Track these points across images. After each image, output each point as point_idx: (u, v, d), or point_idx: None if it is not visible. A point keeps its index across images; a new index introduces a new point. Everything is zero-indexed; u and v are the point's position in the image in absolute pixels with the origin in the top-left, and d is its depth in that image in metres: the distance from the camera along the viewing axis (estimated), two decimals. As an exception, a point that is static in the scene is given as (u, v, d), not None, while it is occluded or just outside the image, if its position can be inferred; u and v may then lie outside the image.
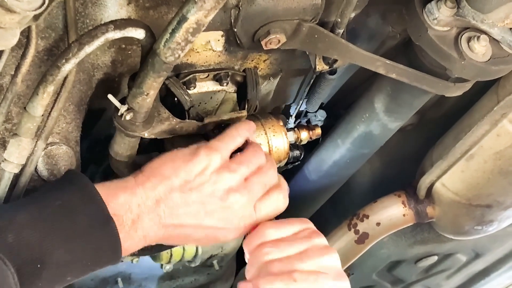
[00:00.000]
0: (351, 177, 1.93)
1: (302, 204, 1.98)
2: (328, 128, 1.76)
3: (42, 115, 1.01)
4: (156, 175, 1.05)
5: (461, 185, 1.56)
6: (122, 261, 1.51)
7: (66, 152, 1.10)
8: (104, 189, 1.00)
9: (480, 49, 1.18)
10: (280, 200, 1.16)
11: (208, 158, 1.08)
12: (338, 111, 1.77)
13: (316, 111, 1.76)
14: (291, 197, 2.03)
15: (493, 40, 1.20)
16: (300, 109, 1.74)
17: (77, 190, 0.98)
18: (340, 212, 1.96)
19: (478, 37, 1.17)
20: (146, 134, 1.11)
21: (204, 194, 1.07)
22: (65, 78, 1.02)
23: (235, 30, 1.16)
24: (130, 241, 1.01)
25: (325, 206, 2.08)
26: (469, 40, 1.18)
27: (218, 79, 1.27)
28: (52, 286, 0.94)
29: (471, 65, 1.18)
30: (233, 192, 1.09)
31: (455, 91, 1.31)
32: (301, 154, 1.40)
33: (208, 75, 1.26)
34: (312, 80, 1.54)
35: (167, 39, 0.96)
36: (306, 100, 1.68)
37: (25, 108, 0.99)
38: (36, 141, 1.04)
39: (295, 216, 2.10)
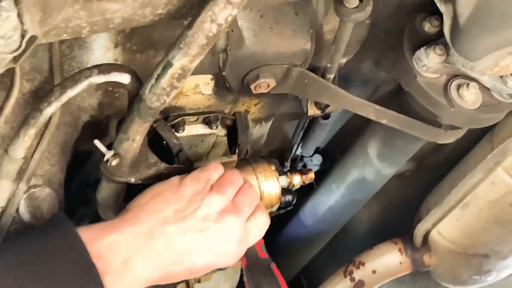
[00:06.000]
0: (349, 223, 1.91)
1: (298, 249, 1.96)
2: (325, 173, 1.74)
3: (24, 157, 1.00)
4: (146, 211, 1.03)
5: (457, 234, 1.53)
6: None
7: (49, 194, 1.10)
8: (89, 232, 0.96)
9: (470, 97, 1.16)
10: (265, 220, 1.16)
11: (195, 186, 1.07)
12: (335, 155, 1.75)
13: (312, 156, 1.74)
14: (287, 241, 2.03)
15: (484, 88, 1.19)
16: (296, 153, 1.73)
17: (58, 235, 0.95)
18: (339, 258, 1.92)
19: (468, 85, 1.16)
20: (132, 180, 1.10)
21: (198, 220, 1.04)
22: (49, 120, 1.02)
23: (224, 74, 1.15)
24: (120, 285, 0.96)
25: (323, 252, 2.05)
26: (458, 87, 1.17)
27: (207, 123, 1.26)
28: None
29: (460, 113, 1.17)
30: (226, 214, 1.07)
31: (447, 138, 1.29)
32: (293, 199, 1.38)
33: (198, 118, 1.25)
34: (305, 125, 1.53)
35: (152, 84, 0.95)
36: (301, 144, 1.67)
37: (5, 150, 0.98)
38: (18, 183, 1.04)
39: (292, 263, 2.11)
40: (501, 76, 1.17)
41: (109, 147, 1.06)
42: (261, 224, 1.14)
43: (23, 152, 0.98)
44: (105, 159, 1.05)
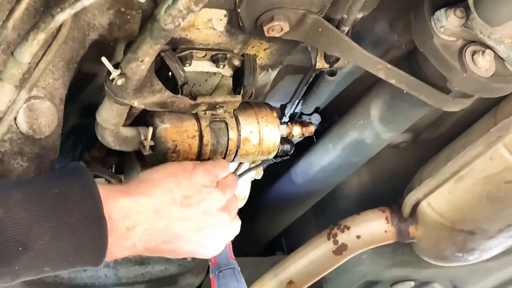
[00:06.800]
0: (337, 188, 1.91)
1: (284, 208, 1.96)
2: (322, 134, 1.73)
3: (30, 64, 0.98)
4: (158, 187, 1.06)
5: (447, 207, 1.54)
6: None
7: (49, 108, 1.07)
8: (105, 190, 0.97)
9: (484, 64, 1.15)
10: (239, 225, 1.21)
11: (206, 177, 1.12)
12: (333, 117, 1.74)
13: (311, 114, 1.73)
14: (275, 199, 2.02)
15: (498, 58, 1.18)
16: (295, 111, 1.72)
17: (78, 182, 0.95)
18: (323, 222, 1.93)
19: (483, 52, 1.15)
20: (136, 103, 1.08)
21: (199, 212, 1.09)
22: (59, 30, 0.99)
23: (239, 11, 1.13)
24: (117, 248, 0.99)
25: (307, 214, 2.05)
26: (473, 53, 1.16)
27: (215, 60, 1.24)
28: (28, 272, 0.91)
29: (472, 79, 1.16)
30: (222, 211, 1.13)
31: (453, 106, 1.28)
32: (291, 149, 1.37)
33: (206, 54, 1.23)
34: (310, 80, 1.51)
35: (169, 5, 0.93)
36: (302, 101, 1.65)
37: (12, 53, 0.96)
38: (20, 91, 1.01)
39: (276, 221, 2.10)
40: (518, 47, 1.16)
41: (115, 67, 1.04)
42: (237, 228, 1.20)
43: (30, 57, 0.96)
44: (110, 77, 1.03)
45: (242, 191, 1.40)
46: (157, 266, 1.79)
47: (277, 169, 1.87)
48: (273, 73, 1.39)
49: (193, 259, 1.82)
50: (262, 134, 1.27)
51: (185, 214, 1.08)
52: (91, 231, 0.93)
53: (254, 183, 1.47)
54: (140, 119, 1.22)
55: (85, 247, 0.93)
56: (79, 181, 0.95)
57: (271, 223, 2.07)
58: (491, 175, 1.39)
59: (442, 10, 1.15)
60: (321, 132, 1.73)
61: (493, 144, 1.35)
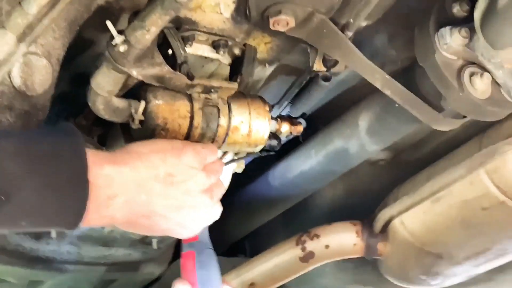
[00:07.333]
0: (310, 198, 1.91)
1: (256, 209, 1.95)
2: (304, 140, 1.73)
3: (35, 16, 0.96)
4: (144, 161, 1.05)
5: (419, 227, 1.54)
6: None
7: (45, 66, 1.05)
8: (92, 155, 0.96)
9: (480, 86, 1.17)
10: (219, 211, 1.19)
11: (193, 158, 1.11)
12: (318, 125, 1.74)
13: (297, 119, 1.73)
14: (248, 199, 2.01)
15: (495, 82, 1.19)
16: (282, 113, 1.71)
17: (69, 142, 0.95)
18: (291, 230, 1.92)
19: (482, 74, 1.17)
20: (134, 73, 1.07)
21: (181, 191, 1.08)
22: (67, -11, 0.98)
23: None
24: (95, 215, 0.97)
25: (275, 220, 2.04)
26: (472, 74, 1.18)
27: (216, 46, 1.24)
28: (3, 224, 0.90)
29: (468, 99, 1.18)
30: (203, 194, 1.12)
31: (443, 125, 1.30)
32: (278, 145, 1.37)
33: (208, 38, 1.22)
34: (304, 83, 1.51)
35: None
36: (290, 104, 1.65)
37: (20, 3, 0.94)
38: (20, 43, 1.00)
39: (245, 223, 2.09)
40: (515, 75, 1.18)
41: (119, 34, 1.03)
42: (218, 213, 1.19)
43: (37, 8, 0.95)
44: (113, 42, 1.02)
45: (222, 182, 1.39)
46: (121, 250, 1.77)
47: (254, 169, 1.86)
48: (269, 69, 1.39)
49: (159, 247, 1.80)
50: (252, 126, 1.27)
51: (166, 192, 1.06)
52: (74, 193, 0.93)
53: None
54: (132, 93, 1.21)
55: (65, 208, 0.93)
56: (69, 142, 0.95)
57: (239, 224, 2.06)
58: (468, 200, 1.40)
59: (448, 27, 1.16)
60: (304, 138, 1.73)
61: (475, 169, 1.36)
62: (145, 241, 1.78)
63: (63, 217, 0.93)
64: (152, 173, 1.05)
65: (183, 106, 1.18)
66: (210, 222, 1.19)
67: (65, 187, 0.91)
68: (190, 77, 1.16)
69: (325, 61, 1.34)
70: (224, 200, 1.30)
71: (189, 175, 1.10)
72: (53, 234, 1.65)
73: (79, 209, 0.93)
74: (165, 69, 1.10)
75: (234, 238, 2.21)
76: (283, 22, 1.17)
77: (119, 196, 1.00)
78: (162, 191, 1.06)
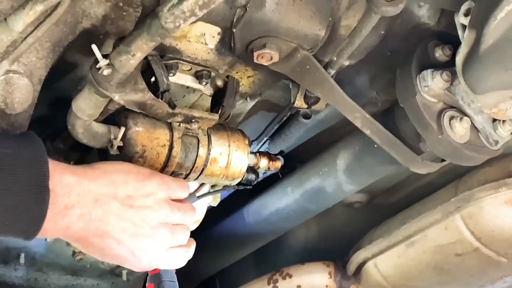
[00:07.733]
0: (283, 237, 1.90)
1: (229, 246, 1.93)
2: (280, 178, 1.73)
3: (20, 34, 0.95)
4: (105, 178, 1.04)
5: (393, 271, 1.54)
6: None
7: (26, 85, 1.04)
8: (54, 163, 0.96)
9: (460, 130, 1.18)
10: (183, 259, 1.18)
11: (158, 187, 1.10)
12: (295, 164, 1.74)
13: (276, 155, 1.72)
14: (221, 235, 1.99)
15: (474, 127, 1.21)
16: (260, 150, 1.71)
17: (30, 148, 0.94)
18: (263, 269, 1.91)
19: (461, 118, 1.18)
20: (116, 97, 1.06)
21: (139, 217, 1.07)
22: (54, 9, 0.98)
23: (234, 30, 1.14)
24: (53, 224, 0.96)
25: (247, 259, 2.02)
26: (451, 118, 1.19)
27: (199, 76, 1.24)
28: None
29: (446, 142, 1.18)
30: (163, 228, 1.10)
31: (421, 167, 1.30)
32: (255, 180, 1.36)
33: (191, 68, 1.22)
34: (284, 119, 1.51)
35: (173, 4, 0.93)
36: (269, 141, 1.65)
37: (5, 19, 0.93)
38: (1, 61, 0.99)
39: (216, 259, 2.06)
40: (494, 121, 1.19)
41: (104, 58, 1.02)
42: (179, 258, 1.17)
43: (23, 26, 0.94)
44: (97, 66, 1.01)
45: (196, 215, 1.37)
46: (89, 280, 1.73)
47: (228, 205, 1.85)
48: (250, 103, 1.39)
49: (128, 279, 1.77)
50: (231, 158, 1.26)
51: (123, 213, 1.05)
52: (33, 199, 0.91)
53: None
54: (112, 120, 1.20)
55: (24, 214, 0.91)
56: (30, 147, 0.94)
57: (211, 260, 2.03)
58: (442, 245, 1.41)
59: (429, 70, 1.18)
60: (281, 176, 1.73)
61: (451, 214, 1.36)
62: (115, 272, 1.74)
63: (21, 225, 0.92)
64: (111, 191, 1.04)
65: (163, 134, 1.17)
66: (170, 265, 1.17)
67: (24, 193, 0.90)
68: (172, 105, 1.16)
69: (306, 98, 1.35)
70: (197, 234, 1.29)
71: (150, 202, 1.08)
72: (22, 259, 1.61)
73: (39, 217, 0.92)
74: (147, 96, 1.10)
75: (205, 275, 2.18)
76: (267, 56, 1.18)
77: (76, 207, 0.98)
78: (119, 211, 1.04)
